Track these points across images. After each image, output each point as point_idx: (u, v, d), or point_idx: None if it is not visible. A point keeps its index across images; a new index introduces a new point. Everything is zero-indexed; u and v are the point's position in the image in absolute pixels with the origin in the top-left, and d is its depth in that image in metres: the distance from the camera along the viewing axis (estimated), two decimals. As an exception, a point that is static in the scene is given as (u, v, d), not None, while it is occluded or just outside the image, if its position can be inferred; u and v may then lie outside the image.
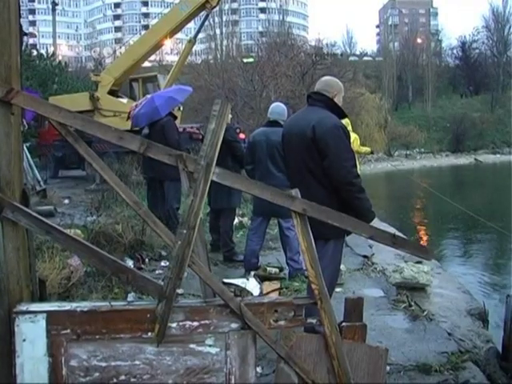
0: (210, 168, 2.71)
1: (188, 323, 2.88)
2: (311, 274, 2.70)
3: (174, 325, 2.88)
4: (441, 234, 14.25)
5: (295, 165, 4.39)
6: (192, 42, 19.69)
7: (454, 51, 69.78)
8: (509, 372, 4.73)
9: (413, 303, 5.92)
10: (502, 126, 50.90)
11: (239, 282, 5.95)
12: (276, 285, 6.23)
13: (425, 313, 5.73)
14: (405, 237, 8.45)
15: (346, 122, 9.71)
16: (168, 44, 26.11)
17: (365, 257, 7.90)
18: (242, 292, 5.49)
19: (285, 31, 48.75)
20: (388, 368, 4.51)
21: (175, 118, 8.74)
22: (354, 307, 2.82)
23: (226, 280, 5.88)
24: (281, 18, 64.82)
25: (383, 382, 2.95)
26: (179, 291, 3.75)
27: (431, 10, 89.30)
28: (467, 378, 4.57)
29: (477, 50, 67.53)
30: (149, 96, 9.35)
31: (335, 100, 4.42)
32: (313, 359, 2.82)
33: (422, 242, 9.96)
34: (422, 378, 4.51)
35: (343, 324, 2.87)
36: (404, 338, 5.17)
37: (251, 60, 38.52)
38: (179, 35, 26.10)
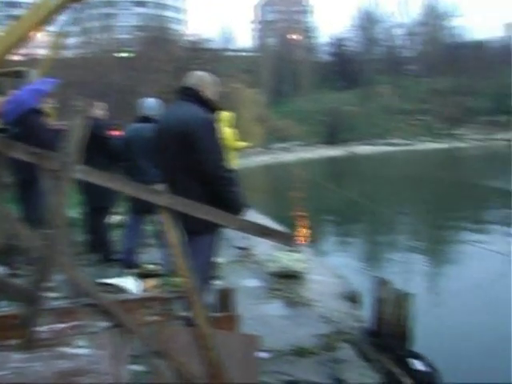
0: (72, 165, 2.64)
1: (57, 326, 2.79)
2: (180, 269, 2.72)
3: (43, 329, 2.77)
4: (320, 222, 14.81)
5: (168, 160, 4.37)
6: (63, 34, 18.92)
7: (328, 48, 72.57)
8: (379, 347, 5.07)
9: (289, 291, 6.12)
10: (372, 119, 53.77)
11: (117, 281, 5.83)
12: (156, 281, 6.18)
13: (301, 299, 5.95)
14: (280, 227, 8.70)
15: (227, 116, 9.82)
16: (38, 37, 24.90)
17: (243, 249, 8.04)
18: (119, 291, 5.39)
19: (162, 25, 48.15)
20: (267, 355, 4.65)
21: (47, 115, 8.36)
22: (225, 298, 2.88)
23: (103, 280, 5.74)
24: (158, 12, 64.00)
25: (256, 368, 3.04)
26: (50, 294, 3.61)
27: (306, 7, 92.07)
28: (341, 357, 4.82)
29: (348, 47, 70.69)
30: (17, 91, 8.88)
31: (206, 94, 4.44)
32: (186, 352, 2.84)
33: (301, 232, 10.28)
34: (299, 361, 4.68)
35: (216, 315, 2.92)
36: (282, 325, 5.34)
37: (127, 54, 37.67)
38: (50, 28, 24.94)
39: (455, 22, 73.06)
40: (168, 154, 4.33)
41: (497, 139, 53.70)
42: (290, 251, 6.93)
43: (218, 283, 5.73)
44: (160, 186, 2.77)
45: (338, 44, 70.79)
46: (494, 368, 5.68)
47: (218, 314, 2.90)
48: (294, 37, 69.07)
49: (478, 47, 65.44)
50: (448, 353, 5.77)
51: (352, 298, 6.41)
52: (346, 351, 4.97)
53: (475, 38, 70.16)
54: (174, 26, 58.20)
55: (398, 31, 74.02)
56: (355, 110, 53.35)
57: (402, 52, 73.42)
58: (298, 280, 6.62)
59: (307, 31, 74.51)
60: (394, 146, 49.52)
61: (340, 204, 16.54)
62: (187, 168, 4.19)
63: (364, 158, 41.90)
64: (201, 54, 36.25)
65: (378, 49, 71.41)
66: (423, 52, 70.63)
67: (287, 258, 6.62)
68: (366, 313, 5.85)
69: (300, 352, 4.79)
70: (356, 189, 19.93)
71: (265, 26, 76.11)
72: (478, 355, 6.06)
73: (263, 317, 5.44)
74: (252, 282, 6.52)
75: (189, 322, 3.02)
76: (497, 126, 55.67)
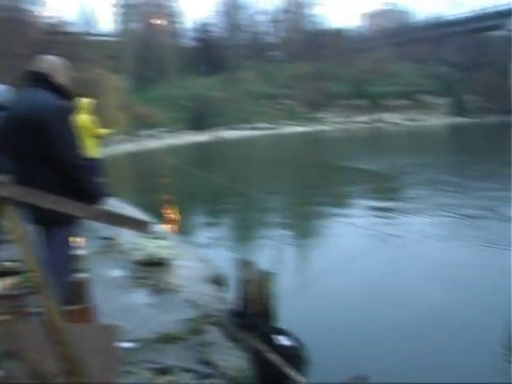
0: None
1: None
2: (28, 263, 2.59)
3: None
4: (188, 208, 14.77)
5: (18, 150, 4.13)
6: None
7: (193, 33, 72.21)
8: (245, 327, 5.19)
9: (155, 278, 6.07)
10: (238, 104, 54.48)
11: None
12: (14, 279, 5.84)
13: (167, 286, 5.93)
14: (144, 215, 8.57)
15: (86, 103, 9.45)
16: None
17: (108, 238, 7.84)
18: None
19: (15, 5, 44.99)
20: (133, 344, 4.58)
21: None
22: (80, 290, 2.78)
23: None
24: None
25: (117, 359, 2.98)
26: None
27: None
28: (209, 340, 4.87)
29: (213, 33, 70.80)
30: None
31: (58, 80, 4.24)
32: (40, 349, 2.72)
33: (168, 219, 10.18)
34: (167, 347, 4.67)
35: (70, 308, 2.81)
36: (148, 313, 5.29)
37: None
38: None
39: (316, 11, 76.09)
40: (18, 143, 4.10)
41: (356, 122, 56.97)
42: (156, 238, 6.87)
43: (79, 275, 5.56)
44: (3, 176, 2.60)
45: (203, 29, 70.67)
46: (359, 340, 5.99)
47: (73, 307, 2.80)
48: (158, 21, 67.88)
49: (337, 35, 68.60)
50: (314, 328, 6.02)
51: (218, 281, 6.49)
52: (213, 334, 5.03)
53: (334, 26, 73.64)
54: (29, 7, 54.71)
55: (262, 18, 75.48)
56: (221, 95, 53.69)
57: (266, 38, 74.96)
58: (164, 267, 6.58)
59: (171, 16, 73.49)
60: (260, 130, 50.63)
61: (208, 189, 16.65)
62: (38, 157, 3.99)
63: (231, 142, 42.38)
64: (60, 38, 34.44)
65: (242, 35, 72.23)
66: (286, 38, 72.58)
67: (153, 246, 6.55)
68: (231, 294, 5.96)
69: (167, 338, 4.78)
70: (224, 173, 20.14)
71: (128, 10, 73.97)
72: (343, 329, 6.33)
73: (128, 306, 5.36)
74: (117, 272, 6.38)
75: (41, 318, 2.89)
76: (356, 110, 58.96)
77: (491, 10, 66.21)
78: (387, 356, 5.59)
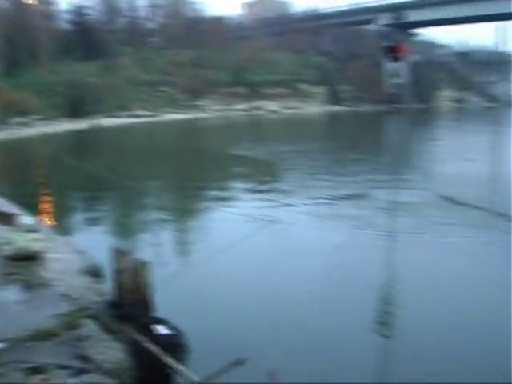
0: None
1: None
2: None
3: None
4: (65, 199, 14.16)
5: None
6: None
7: (68, 16, 68.96)
8: (122, 318, 5.10)
9: (27, 273, 5.81)
10: (116, 91, 52.92)
11: None
12: None
13: (40, 280, 5.70)
14: (13, 208, 8.15)
15: None
16: None
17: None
18: None
19: None
20: (3, 344, 4.37)
21: None
22: None
23: None
24: None
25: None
26: None
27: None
28: (85, 334, 4.74)
29: (90, 16, 68.02)
30: None
31: None
32: None
33: (41, 211, 9.73)
34: (40, 345, 4.50)
35: None
36: (19, 310, 5.07)
37: None
38: None
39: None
40: None
41: (236, 109, 57.53)
42: (28, 231, 6.56)
43: None
44: None
45: (79, 12, 67.67)
46: (237, 325, 6.05)
47: None
48: (30, 1, 64.13)
49: (218, 23, 68.62)
50: (192, 315, 6.03)
51: (94, 273, 6.33)
52: (90, 327, 4.93)
53: (215, 13, 73.57)
54: None
55: (141, 2, 73.68)
56: (98, 81, 51.70)
57: (145, 24, 73.29)
58: (37, 261, 6.30)
59: (44, -4, 69.75)
60: (139, 118, 49.48)
61: (83, 179, 16.00)
62: None
63: (109, 130, 41.13)
64: None
65: (120, 19, 70.07)
66: (166, 25, 71.39)
67: (24, 239, 6.25)
68: (108, 286, 5.84)
69: (40, 336, 4.61)
70: (101, 162, 19.54)
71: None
72: (221, 315, 6.37)
73: (-2, 304, 5.10)
74: (-16, 269, 6.03)
75: None
76: (235, 97, 59.49)
77: (365, 5, 69.64)
78: (265, 340, 5.71)
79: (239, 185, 15.43)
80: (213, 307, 6.57)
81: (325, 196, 13.06)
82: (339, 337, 5.85)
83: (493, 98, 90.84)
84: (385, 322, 5.60)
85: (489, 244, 9.02)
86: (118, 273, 5.25)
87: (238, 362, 4.68)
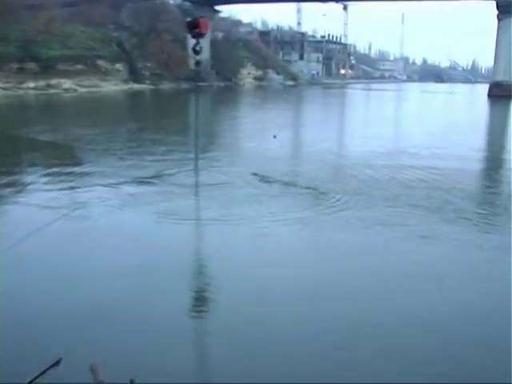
0: None
1: None
2: None
3: None
4: None
5: None
6: None
7: None
8: None
9: None
10: None
11: None
12: None
13: None
14: None
15: None
16: None
17: None
18: None
19: None
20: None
21: None
22: None
23: None
24: None
25: None
26: None
27: None
28: None
29: None
30: None
31: None
32: None
33: None
34: None
35: None
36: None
37: None
38: None
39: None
40: None
41: (28, 88, 52.56)
42: None
43: None
44: None
45: None
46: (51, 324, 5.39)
47: None
48: None
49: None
50: None
51: None
52: None
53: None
54: None
55: None
56: None
57: None
58: None
59: None
60: None
61: None
62: None
63: None
64: None
65: None
66: None
67: None
68: None
69: None
70: None
71: None
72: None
73: None
74: None
75: None
76: (27, 74, 54.35)
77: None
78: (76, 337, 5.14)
79: (37, 171, 13.64)
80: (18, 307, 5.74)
81: (129, 180, 12.12)
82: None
83: (293, 76, 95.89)
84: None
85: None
86: None
87: (54, 364, 4.46)
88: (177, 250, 7.65)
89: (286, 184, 11.89)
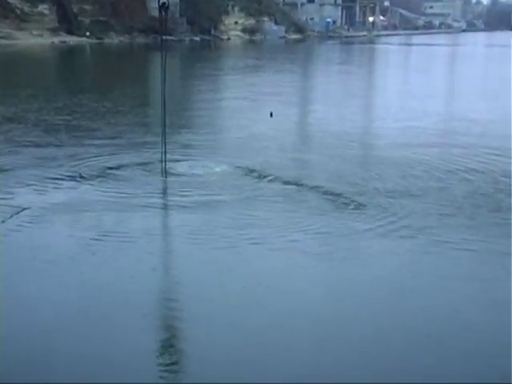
0: None
1: None
2: None
3: None
4: None
5: None
6: None
7: None
8: None
9: None
10: None
11: None
12: None
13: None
14: None
15: None
16: None
17: None
18: None
19: None
20: None
21: None
22: None
23: None
24: None
25: None
26: None
27: None
28: None
29: None
30: None
31: None
32: None
33: None
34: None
35: None
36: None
37: None
38: None
39: None
40: None
41: None
42: None
43: None
44: None
45: None
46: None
47: None
48: None
49: None
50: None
51: None
52: None
53: None
54: None
55: None
56: None
57: None
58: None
59: None
60: None
61: None
62: None
63: None
64: None
65: None
66: None
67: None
68: None
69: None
70: None
71: None
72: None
73: None
74: None
75: None
76: None
77: None
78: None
79: None
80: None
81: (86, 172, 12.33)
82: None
83: (299, 27, 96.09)
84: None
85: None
86: None
87: None
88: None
89: (297, 188, 11.56)
